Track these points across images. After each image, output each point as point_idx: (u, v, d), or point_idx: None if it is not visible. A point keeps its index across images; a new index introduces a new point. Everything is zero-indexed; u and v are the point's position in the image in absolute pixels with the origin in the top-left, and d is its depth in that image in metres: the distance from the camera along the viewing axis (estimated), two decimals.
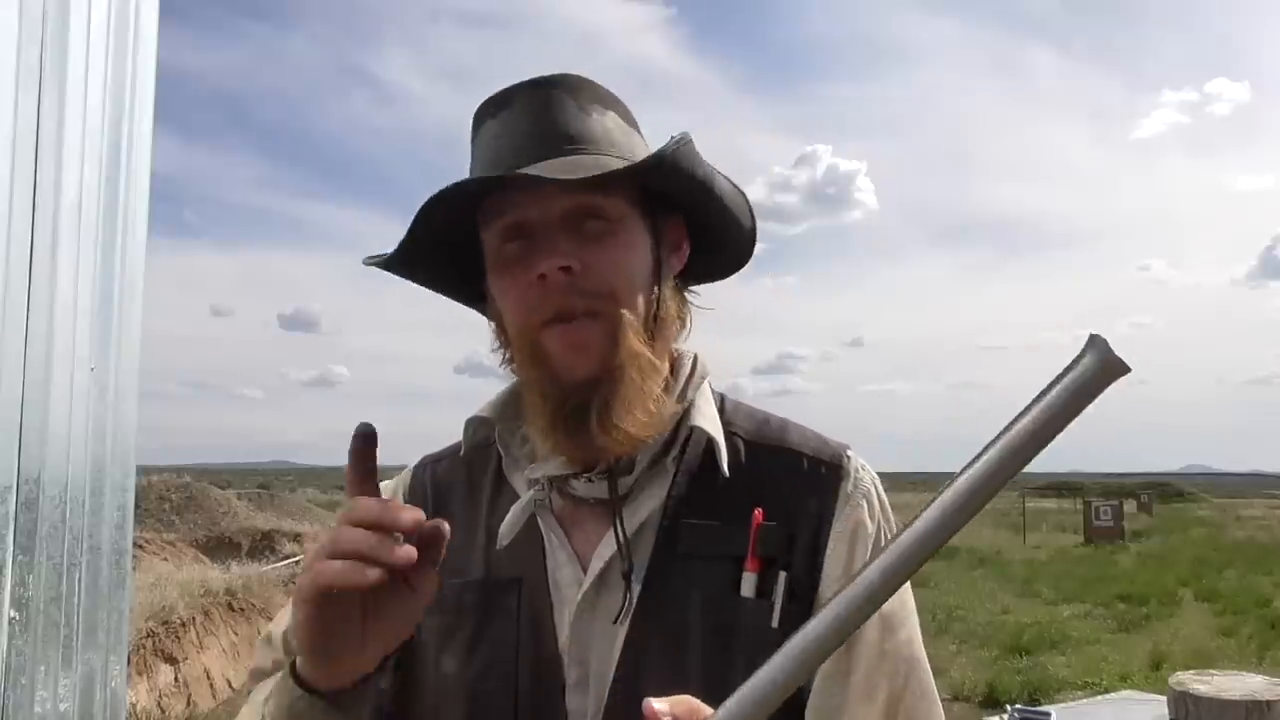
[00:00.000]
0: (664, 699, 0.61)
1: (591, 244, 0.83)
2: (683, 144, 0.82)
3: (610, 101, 0.91)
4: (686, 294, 0.95)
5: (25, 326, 1.18)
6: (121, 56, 1.36)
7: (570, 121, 0.86)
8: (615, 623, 0.83)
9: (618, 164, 0.83)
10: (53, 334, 1.22)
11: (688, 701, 0.61)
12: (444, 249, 0.88)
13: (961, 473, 0.53)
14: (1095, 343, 0.52)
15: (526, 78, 0.88)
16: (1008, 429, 0.53)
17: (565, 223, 0.83)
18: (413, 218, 0.82)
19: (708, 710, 0.59)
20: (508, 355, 0.92)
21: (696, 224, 0.93)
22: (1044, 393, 0.53)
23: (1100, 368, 0.51)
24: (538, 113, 0.86)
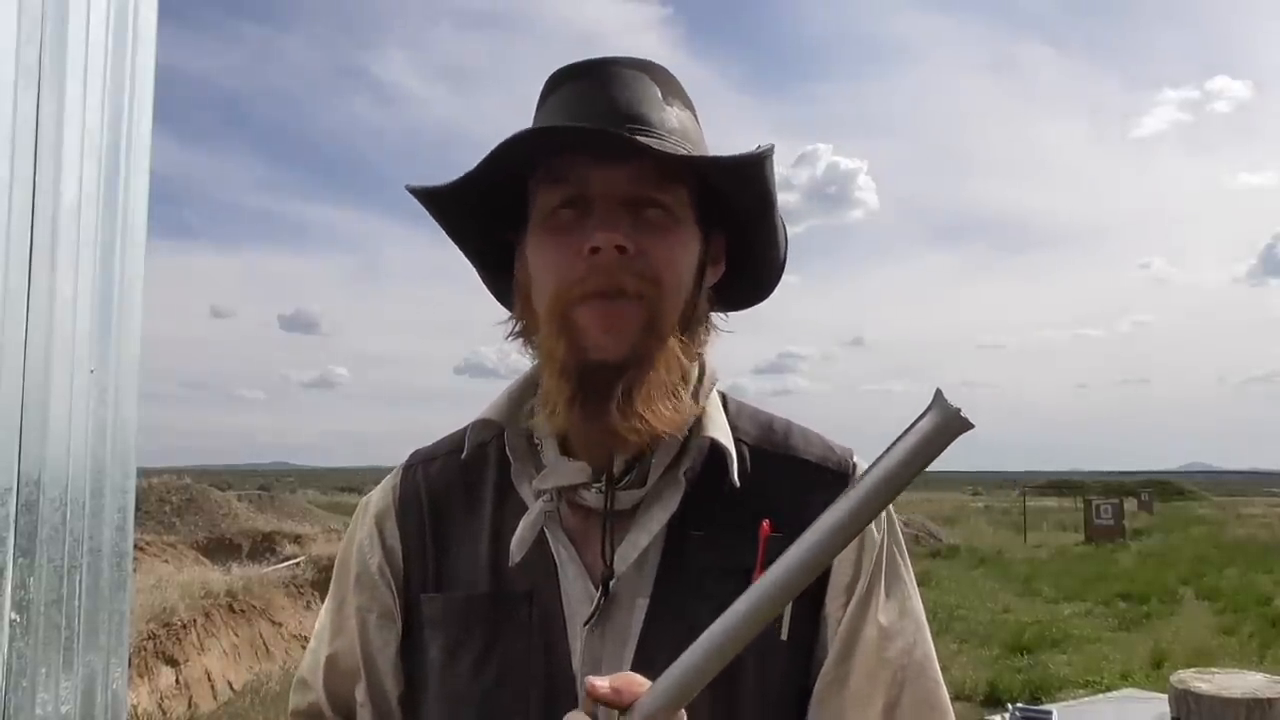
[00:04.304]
0: (605, 676, 0.66)
1: (649, 231, 0.82)
2: (768, 154, 0.81)
3: (688, 102, 0.90)
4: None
5: (25, 327, 1.17)
6: (120, 57, 1.35)
7: (652, 108, 0.84)
8: (584, 626, 0.82)
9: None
10: (53, 334, 1.22)
11: (627, 675, 0.66)
12: (477, 198, 0.86)
13: (821, 518, 0.56)
14: (939, 400, 0.52)
15: (604, 56, 0.86)
16: (858, 480, 0.55)
17: (627, 204, 0.82)
18: (484, 156, 0.78)
19: (645, 682, 0.64)
20: (524, 327, 0.90)
21: (735, 249, 0.92)
22: (890, 447, 0.54)
23: (943, 424, 0.52)
24: (620, 90, 0.84)
